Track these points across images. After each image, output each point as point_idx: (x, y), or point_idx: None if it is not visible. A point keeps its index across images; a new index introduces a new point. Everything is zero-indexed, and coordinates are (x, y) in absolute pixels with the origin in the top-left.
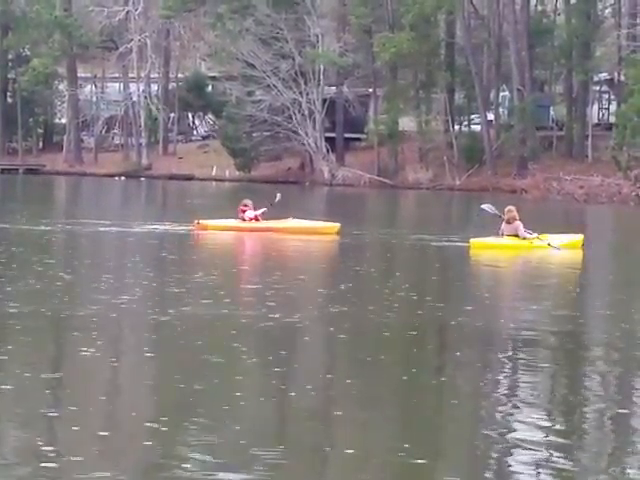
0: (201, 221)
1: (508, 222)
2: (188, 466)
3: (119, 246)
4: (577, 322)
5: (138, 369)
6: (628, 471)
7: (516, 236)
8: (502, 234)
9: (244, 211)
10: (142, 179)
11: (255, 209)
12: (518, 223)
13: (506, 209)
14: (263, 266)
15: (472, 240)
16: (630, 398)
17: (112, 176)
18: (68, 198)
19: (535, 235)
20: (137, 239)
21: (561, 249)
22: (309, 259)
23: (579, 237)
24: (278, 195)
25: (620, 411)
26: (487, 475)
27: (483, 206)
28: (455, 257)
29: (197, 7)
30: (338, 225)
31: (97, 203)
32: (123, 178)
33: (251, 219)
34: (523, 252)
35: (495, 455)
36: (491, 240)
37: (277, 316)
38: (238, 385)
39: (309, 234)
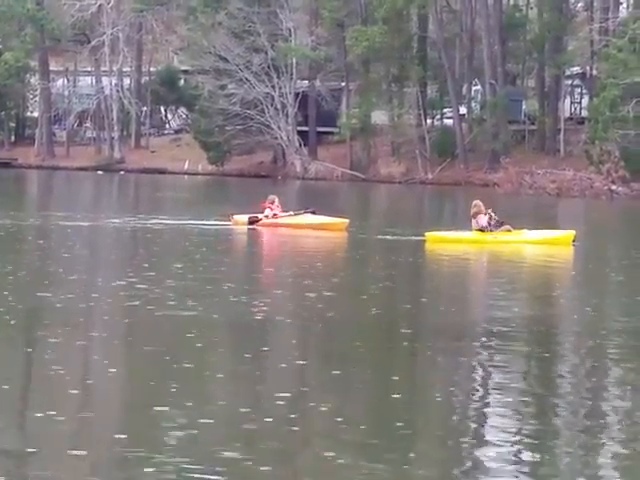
0: (235, 216)
1: (474, 217)
2: (160, 456)
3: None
4: (546, 316)
5: (116, 360)
6: (599, 461)
7: (482, 231)
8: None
9: (270, 207)
10: (122, 172)
11: (280, 205)
12: (482, 217)
13: (472, 204)
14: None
15: (427, 234)
16: (601, 389)
17: (85, 169)
18: (49, 192)
19: (493, 217)
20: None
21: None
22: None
23: (569, 233)
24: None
25: (591, 403)
26: (459, 466)
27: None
28: (425, 251)
29: (169, 0)
30: (347, 221)
31: (95, 198)
32: (100, 172)
33: (274, 216)
34: (490, 247)
35: (467, 447)
36: (447, 234)
37: (252, 309)
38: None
39: (321, 230)
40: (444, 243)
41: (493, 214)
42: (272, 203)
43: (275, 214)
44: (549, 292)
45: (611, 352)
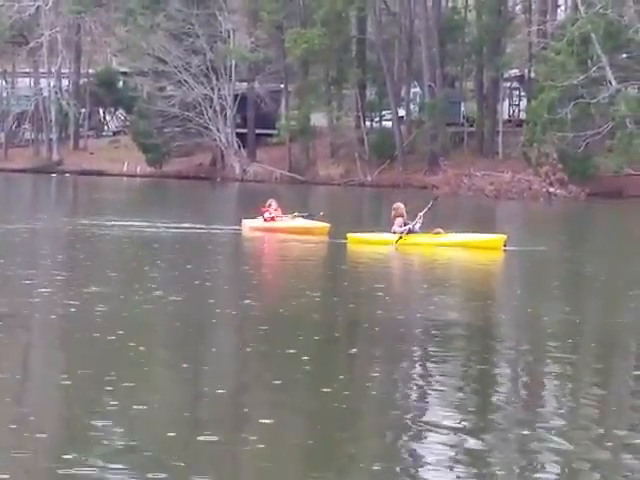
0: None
1: (394, 219)
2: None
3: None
4: (478, 315)
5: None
6: (537, 457)
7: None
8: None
9: (267, 211)
10: (67, 175)
11: (281, 209)
12: (398, 220)
13: (393, 206)
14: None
15: (349, 235)
16: (537, 385)
17: (23, 171)
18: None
19: (408, 227)
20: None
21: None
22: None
23: (500, 237)
24: (321, 213)
25: (529, 397)
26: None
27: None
28: (356, 254)
29: (108, 2)
30: (328, 225)
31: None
32: (54, 175)
33: (269, 219)
34: (413, 250)
35: (406, 445)
36: (367, 235)
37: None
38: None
39: (305, 234)
40: (365, 244)
41: (419, 219)
42: (270, 207)
43: (272, 217)
44: (476, 295)
45: (544, 350)
